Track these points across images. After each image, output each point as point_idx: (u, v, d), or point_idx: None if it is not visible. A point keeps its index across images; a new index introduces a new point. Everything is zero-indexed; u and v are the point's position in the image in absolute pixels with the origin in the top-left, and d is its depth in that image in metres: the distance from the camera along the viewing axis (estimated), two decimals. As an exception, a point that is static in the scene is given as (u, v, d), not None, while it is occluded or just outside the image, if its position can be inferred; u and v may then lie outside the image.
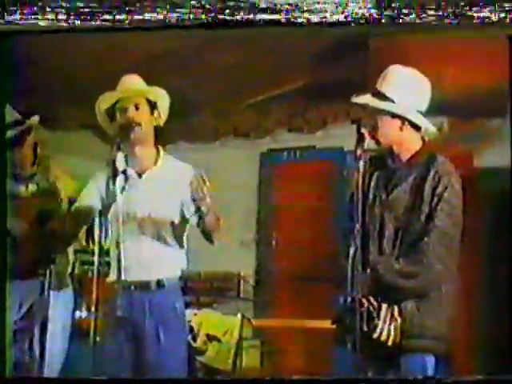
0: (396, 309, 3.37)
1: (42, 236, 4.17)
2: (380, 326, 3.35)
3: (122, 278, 3.80)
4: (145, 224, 3.87)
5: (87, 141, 6.39)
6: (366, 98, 3.58)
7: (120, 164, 3.71)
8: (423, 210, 3.45)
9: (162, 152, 4.01)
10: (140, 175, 3.94)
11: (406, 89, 3.55)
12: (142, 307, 3.82)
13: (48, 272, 4.18)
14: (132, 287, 3.83)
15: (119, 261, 3.82)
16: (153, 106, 3.97)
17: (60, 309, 4.25)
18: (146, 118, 3.93)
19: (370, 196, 3.56)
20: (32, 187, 4.35)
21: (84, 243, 4.61)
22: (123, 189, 3.83)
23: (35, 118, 4.36)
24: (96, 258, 3.67)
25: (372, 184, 3.59)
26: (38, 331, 4.16)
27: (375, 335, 3.33)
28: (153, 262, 3.86)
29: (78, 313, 4.70)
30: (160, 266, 3.87)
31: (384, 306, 3.37)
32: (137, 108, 3.91)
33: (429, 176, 3.48)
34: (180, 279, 3.93)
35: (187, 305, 4.16)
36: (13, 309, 4.04)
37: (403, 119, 3.55)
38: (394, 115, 3.55)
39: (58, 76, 5.61)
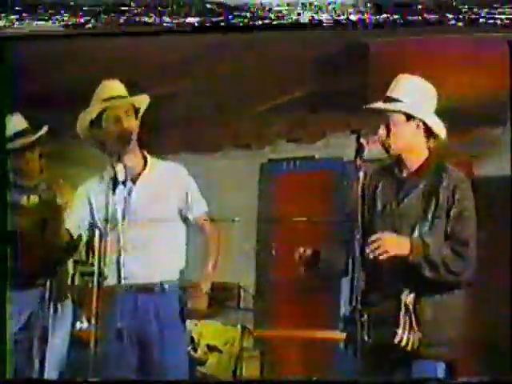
0: (414, 317, 3.39)
1: (43, 247, 4.17)
2: (400, 332, 3.36)
3: (125, 281, 3.86)
4: (144, 228, 3.89)
5: (84, 151, 6.37)
6: (379, 104, 3.60)
7: (121, 175, 3.73)
8: (440, 216, 3.50)
9: (148, 156, 4.04)
10: (134, 181, 3.96)
11: (417, 93, 3.61)
12: (146, 311, 3.85)
13: (48, 283, 4.18)
14: (135, 290, 3.86)
15: (120, 265, 3.87)
16: (137, 111, 3.99)
17: (59, 320, 4.25)
18: (135, 124, 3.96)
19: (379, 206, 3.58)
20: (34, 198, 4.35)
21: (84, 255, 4.61)
22: (121, 196, 3.86)
23: (45, 129, 4.37)
24: (96, 269, 3.66)
25: (379, 193, 3.60)
26: (37, 342, 4.15)
27: (396, 340, 3.36)
28: (154, 264, 3.89)
29: (78, 324, 4.69)
30: (161, 268, 3.91)
31: (402, 314, 3.39)
32: (128, 115, 3.93)
33: (443, 183, 3.54)
34: (180, 281, 3.97)
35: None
36: (11, 319, 4.03)
37: (417, 123, 3.59)
38: (408, 117, 3.58)
39: (56, 84, 5.61)
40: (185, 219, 4.03)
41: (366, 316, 3.31)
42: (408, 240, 3.45)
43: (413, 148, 3.62)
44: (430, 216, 3.51)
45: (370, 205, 3.56)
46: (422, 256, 3.43)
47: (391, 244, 3.41)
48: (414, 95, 3.61)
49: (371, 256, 3.35)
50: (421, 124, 3.60)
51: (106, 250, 3.80)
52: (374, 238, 3.38)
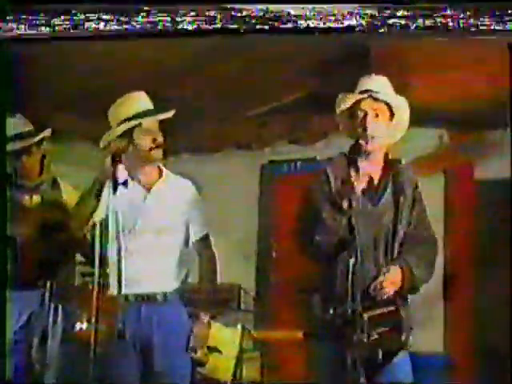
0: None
1: (45, 247, 4.17)
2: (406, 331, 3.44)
3: (129, 290, 3.86)
4: (152, 237, 3.91)
5: (88, 153, 6.37)
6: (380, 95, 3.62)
7: (121, 176, 3.72)
8: (406, 217, 3.58)
9: (162, 167, 4.05)
10: (148, 189, 3.98)
11: (388, 85, 3.68)
12: (149, 320, 3.85)
13: (48, 284, 4.17)
14: (139, 300, 3.86)
15: (124, 274, 3.88)
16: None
17: (59, 320, 4.24)
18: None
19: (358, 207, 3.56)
20: (36, 198, 4.34)
21: (88, 254, 4.59)
22: (130, 201, 3.89)
23: (48, 131, 4.37)
24: (96, 270, 3.66)
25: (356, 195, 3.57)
26: (37, 343, 4.15)
27: (403, 338, 3.43)
28: (159, 274, 3.89)
29: (78, 325, 4.68)
30: (165, 278, 3.92)
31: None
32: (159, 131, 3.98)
33: (405, 184, 3.61)
34: (183, 291, 3.97)
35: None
36: (11, 319, 4.02)
37: (397, 121, 3.62)
38: (392, 115, 3.61)
39: (58, 86, 5.61)
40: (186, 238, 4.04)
41: (366, 317, 3.34)
42: (400, 273, 3.49)
43: (382, 147, 3.64)
44: (400, 217, 3.57)
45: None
46: (411, 287, 3.54)
47: (391, 284, 3.48)
48: (392, 92, 3.67)
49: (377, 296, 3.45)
50: (395, 122, 3.63)
51: (109, 251, 3.83)
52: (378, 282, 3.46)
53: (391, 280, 3.47)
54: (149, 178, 3.99)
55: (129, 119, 3.89)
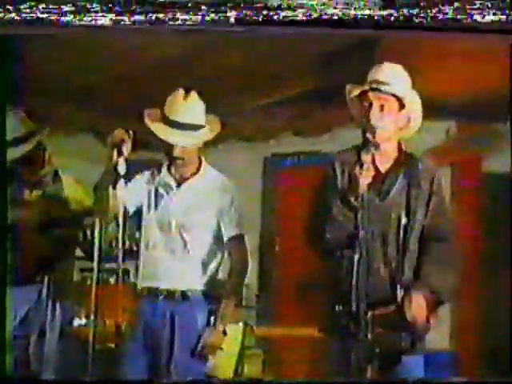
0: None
1: (43, 242, 4.13)
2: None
3: (148, 285, 3.87)
4: (178, 233, 3.87)
5: (88, 145, 6.36)
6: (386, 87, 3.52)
7: (121, 168, 3.66)
8: (421, 208, 3.48)
9: (203, 161, 3.99)
10: (179, 184, 3.92)
11: (406, 82, 3.57)
12: (163, 316, 3.84)
13: (46, 279, 4.13)
14: (158, 295, 3.85)
15: (145, 268, 3.91)
16: None
17: (57, 316, 4.20)
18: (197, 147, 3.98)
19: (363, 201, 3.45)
20: (37, 192, 4.30)
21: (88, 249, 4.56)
22: (156, 194, 3.92)
23: (46, 130, 4.30)
24: (95, 265, 3.62)
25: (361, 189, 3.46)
26: (35, 338, 4.12)
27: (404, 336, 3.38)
28: (180, 271, 3.86)
29: (76, 320, 4.65)
30: (187, 276, 3.87)
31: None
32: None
33: (421, 175, 3.51)
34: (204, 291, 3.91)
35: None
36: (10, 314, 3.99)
37: (407, 113, 3.54)
38: (401, 106, 3.52)
39: (59, 78, 5.57)
40: (218, 236, 3.96)
41: (369, 314, 3.29)
42: (423, 300, 3.40)
43: (391, 139, 3.55)
44: (412, 210, 3.47)
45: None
46: (437, 304, 3.47)
47: (420, 313, 3.40)
48: (405, 83, 3.57)
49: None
50: (406, 114, 3.54)
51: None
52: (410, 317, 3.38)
53: (417, 309, 3.39)
54: (183, 172, 3.95)
55: (169, 123, 3.84)
